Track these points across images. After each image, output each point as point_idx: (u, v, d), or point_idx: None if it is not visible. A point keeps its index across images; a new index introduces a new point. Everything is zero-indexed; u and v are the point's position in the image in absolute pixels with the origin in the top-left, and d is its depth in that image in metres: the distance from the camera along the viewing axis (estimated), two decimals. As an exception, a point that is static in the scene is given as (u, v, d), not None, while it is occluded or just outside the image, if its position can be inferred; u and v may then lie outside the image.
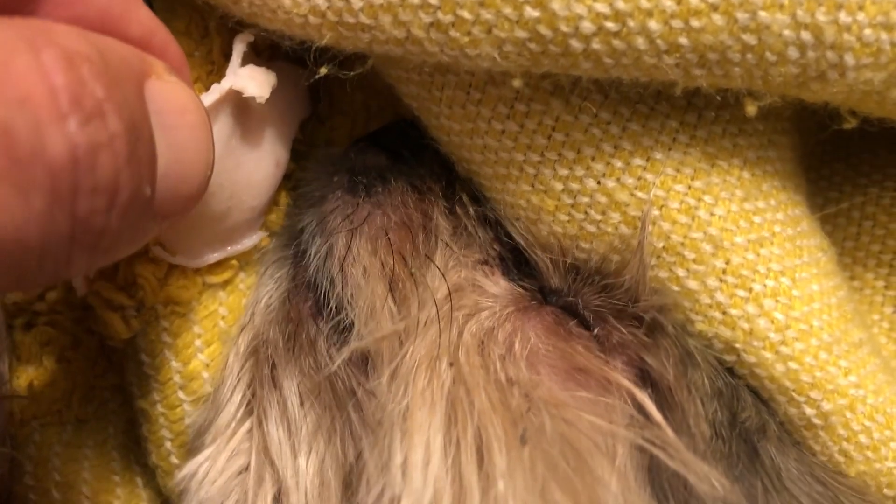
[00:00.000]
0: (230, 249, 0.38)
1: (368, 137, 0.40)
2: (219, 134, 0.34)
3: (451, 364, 0.33)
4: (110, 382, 0.43)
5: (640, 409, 0.33)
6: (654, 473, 0.32)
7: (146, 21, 0.30)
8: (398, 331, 0.34)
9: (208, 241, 0.38)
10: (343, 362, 0.34)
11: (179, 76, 0.30)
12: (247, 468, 0.35)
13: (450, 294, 0.35)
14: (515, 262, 0.38)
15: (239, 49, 0.36)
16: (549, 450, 0.31)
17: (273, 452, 0.34)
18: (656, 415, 0.32)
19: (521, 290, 0.37)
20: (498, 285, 0.37)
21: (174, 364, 0.38)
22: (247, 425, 0.36)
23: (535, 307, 0.36)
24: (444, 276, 0.36)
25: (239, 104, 0.36)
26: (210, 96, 0.34)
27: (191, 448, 0.38)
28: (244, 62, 0.36)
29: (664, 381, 0.34)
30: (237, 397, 0.36)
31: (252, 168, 0.37)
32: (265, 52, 0.39)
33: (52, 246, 0.23)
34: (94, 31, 0.26)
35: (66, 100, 0.22)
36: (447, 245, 0.37)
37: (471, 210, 0.38)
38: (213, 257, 0.38)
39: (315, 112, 0.43)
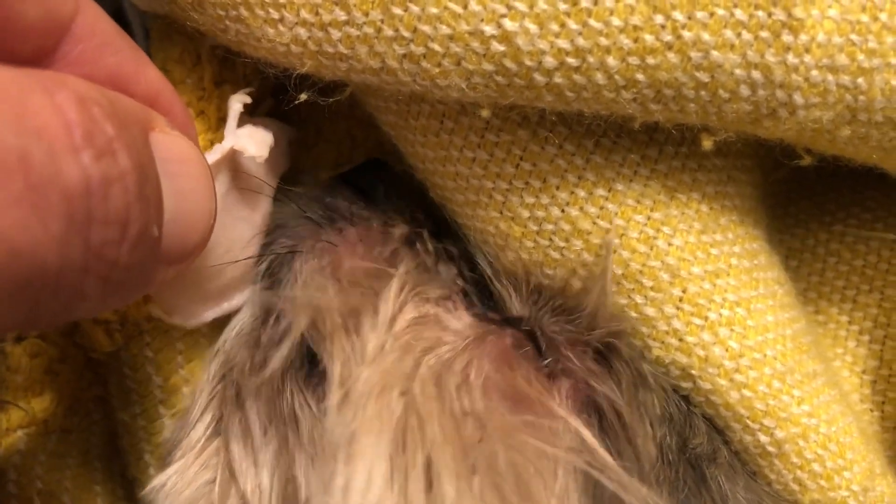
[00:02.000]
0: (225, 307, 0.40)
1: (342, 176, 0.42)
2: (217, 191, 0.35)
3: (402, 394, 0.34)
4: (94, 395, 0.44)
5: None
6: (598, 497, 0.33)
7: (154, 81, 0.33)
8: (350, 356, 0.35)
9: (204, 300, 0.39)
10: (299, 384, 0.36)
11: (184, 132, 0.32)
12: (213, 481, 0.36)
13: (409, 326, 0.37)
14: (480, 294, 0.40)
15: (235, 109, 0.38)
16: (498, 478, 0.32)
17: (236, 470, 0.36)
18: (591, 440, 0.33)
19: (483, 321, 0.39)
20: (460, 320, 0.38)
21: (155, 378, 0.40)
22: (214, 444, 0.37)
23: (494, 332, 0.37)
24: (403, 308, 0.37)
25: (234, 162, 0.38)
26: (212, 156, 0.36)
27: (160, 464, 0.39)
28: (239, 122, 0.38)
29: (612, 405, 0.35)
30: (206, 417, 0.38)
31: (247, 224, 0.39)
32: (260, 111, 0.41)
33: (68, 273, 0.24)
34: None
35: (79, 134, 0.24)
36: (411, 280, 0.39)
37: (432, 247, 0.40)
38: (209, 315, 0.39)
39: (301, 139, 0.45)
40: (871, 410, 0.44)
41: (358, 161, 0.43)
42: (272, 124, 0.40)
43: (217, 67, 0.39)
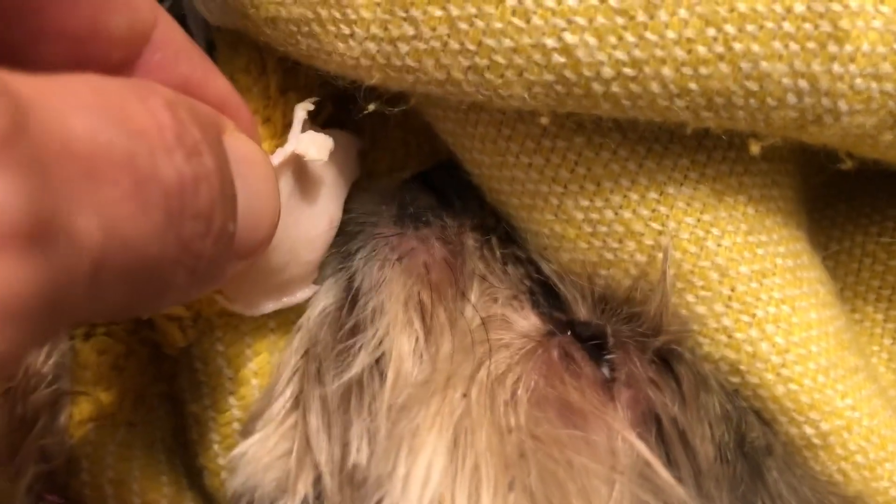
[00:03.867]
0: (285, 301, 0.41)
1: (419, 176, 0.43)
2: (281, 192, 0.37)
3: (463, 396, 0.36)
4: (158, 390, 0.47)
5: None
6: None
7: (222, 88, 0.35)
8: (415, 352, 0.37)
9: (266, 293, 0.41)
10: (368, 370, 0.38)
11: (249, 136, 0.33)
12: (291, 451, 0.38)
13: (481, 325, 0.38)
14: (545, 295, 0.41)
15: (300, 116, 0.40)
16: (536, 496, 0.34)
17: (312, 442, 0.38)
18: (650, 457, 0.35)
19: (549, 322, 0.40)
20: (527, 319, 0.40)
21: (226, 371, 0.42)
22: (293, 417, 0.39)
23: (547, 343, 0.38)
24: (475, 309, 0.39)
25: (298, 166, 0.39)
26: (275, 158, 0.38)
27: (243, 432, 0.41)
28: (303, 129, 0.40)
29: (669, 414, 0.37)
30: (288, 391, 0.40)
31: (309, 225, 0.40)
32: (319, 119, 0.43)
33: (164, 263, 0.26)
34: None
35: (171, 136, 0.26)
36: (483, 280, 0.40)
37: (500, 251, 0.42)
38: (269, 307, 0.41)
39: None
40: (908, 406, 0.45)
41: (413, 169, 0.45)
42: (341, 135, 0.41)
43: (282, 76, 0.42)
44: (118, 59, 0.31)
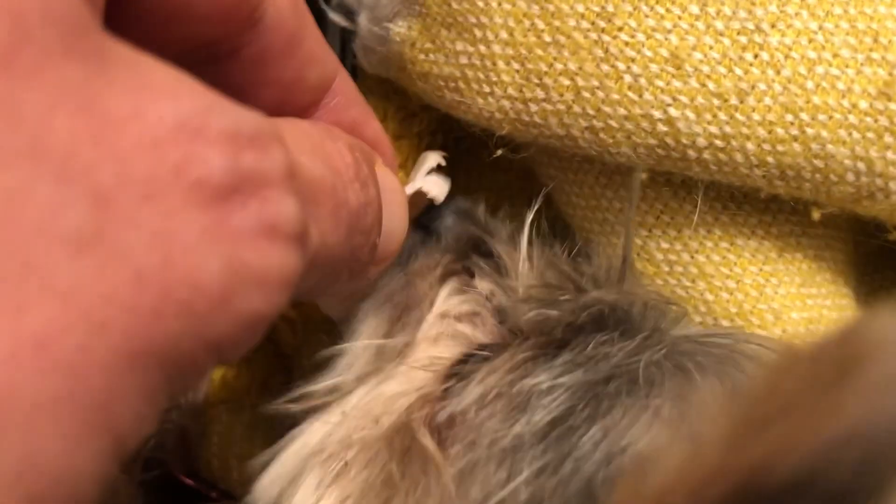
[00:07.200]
0: None
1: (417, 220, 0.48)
2: None
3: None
4: (279, 381, 0.54)
5: None
6: None
7: (376, 130, 0.42)
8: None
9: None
10: None
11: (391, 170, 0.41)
12: None
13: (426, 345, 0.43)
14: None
15: (429, 164, 0.46)
16: None
17: None
18: None
19: (507, 332, 0.42)
20: (485, 332, 0.43)
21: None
22: None
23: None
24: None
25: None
26: (407, 190, 0.44)
27: None
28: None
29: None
30: None
31: None
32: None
33: (340, 264, 0.33)
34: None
35: (352, 171, 0.34)
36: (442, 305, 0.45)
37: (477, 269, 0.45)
38: None
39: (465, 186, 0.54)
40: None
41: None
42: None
43: (398, 125, 0.50)
44: (308, 102, 0.39)
